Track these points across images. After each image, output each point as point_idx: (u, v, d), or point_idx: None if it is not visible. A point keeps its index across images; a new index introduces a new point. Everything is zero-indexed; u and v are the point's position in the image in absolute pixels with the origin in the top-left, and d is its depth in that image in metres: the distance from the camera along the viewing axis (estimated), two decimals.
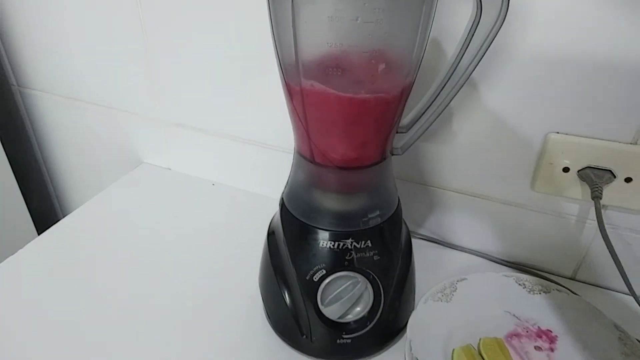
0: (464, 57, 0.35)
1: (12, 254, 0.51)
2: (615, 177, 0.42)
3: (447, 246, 0.53)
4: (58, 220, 0.57)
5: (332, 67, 0.30)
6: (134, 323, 0.43)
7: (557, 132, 0.43)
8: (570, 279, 0.50)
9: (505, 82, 0.42)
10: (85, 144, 0.71)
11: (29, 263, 0.50)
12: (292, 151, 0.56)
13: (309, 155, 0.36)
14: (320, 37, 0.29)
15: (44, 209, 0.80)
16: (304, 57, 0.30)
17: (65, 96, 0.67)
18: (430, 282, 0.45)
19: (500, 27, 0.32)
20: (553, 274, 0.50)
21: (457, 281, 0.45)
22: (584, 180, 0.44)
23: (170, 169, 0.66)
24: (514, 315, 0.44)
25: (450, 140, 0.47)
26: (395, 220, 0.39)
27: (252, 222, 0.56)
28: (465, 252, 0.52)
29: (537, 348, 0.41)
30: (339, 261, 0.37)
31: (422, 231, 0.54)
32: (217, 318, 0.44)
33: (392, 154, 0.38)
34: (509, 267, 0.51)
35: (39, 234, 0.74)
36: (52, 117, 0.72)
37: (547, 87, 0.41)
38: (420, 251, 0.51)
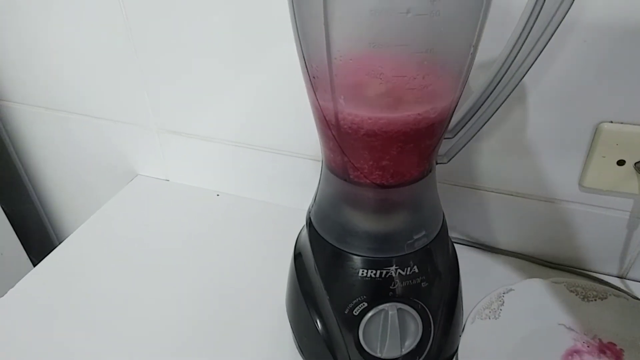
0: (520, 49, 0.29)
1: (7, 287, 0.46)
2: None
3: (487, 250, 0.48)
4: (51, 243, 0.52)
5: (373, 77, 0.24)
6: (145, 353, 0.39)
7: (611, 122, 0.38)
8: (619, 277, 0.46)
9: (550, 66, 0.37)
10: (74, 158, 0.65)
11: (25, 299, 0.45)
12: (303, 154, 0.51)
13: (342, 171, 0.31)
14: (359, 37, 0.23)
15: (36, 232, 0.74)
16: (338, 64, 0.24)
17: (50, 107, 0.60)
18: (473, 292, 0.40)
19: (568, 9, 0.26)
20: (600, 273, 0.46)
21: (504, 293, 0.41)
22: None
23: (168, 180, 0.61)
24: (570, 327, 0.40)
25: (490, 135, 0.42)
26: (442, 239, 0.34)
27: (265, 233, 0.52)
28: (508, 255, 0.48)
29: None
30: (382, 292, 0.32)
31: (460, 235, 0.50)
32: (240, 344, 0.40)
33: (437, 163, 0.32)
34: (554, 268, 0.47)
35: (31, 260, 0.69)
36: (36, 132, 0.65)
37: (599, 68, 0.36)
38: (460, 258, 0.46)
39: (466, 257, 0.47)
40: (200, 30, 0.46)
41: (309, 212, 0.36)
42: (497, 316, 0.40)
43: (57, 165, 0.67)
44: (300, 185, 0.53)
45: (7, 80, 0.60)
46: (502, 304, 0.40)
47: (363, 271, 0.32)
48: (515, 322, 0.39)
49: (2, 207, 0.65)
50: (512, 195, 0.45)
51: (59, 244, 0.52)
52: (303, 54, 0.27)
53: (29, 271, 0.48)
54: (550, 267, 0.47)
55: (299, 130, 0.49)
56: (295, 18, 0.25)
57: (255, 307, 0.43)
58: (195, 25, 0.46)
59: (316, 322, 0.34)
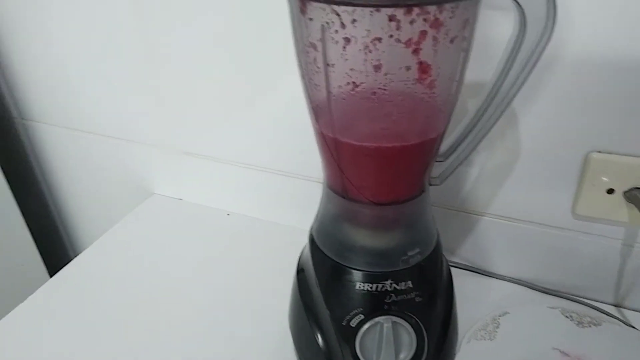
0: (506, 78, 0.32)
1: (24, 297, 0.48)
2: None
3: (483, 274, 0.50)
4: (68, 257, 0.54)
5: (365, 114, 0.27)
6: None
7: (599, 152, 0.40)
8: (615, 305, 0.47)
9: (541, 96, 0.40)
10: (93, 176, 0.68)
11: (41, 309, 0.47)
12: (310, 177, 0.53)
13: (341, 190, 0.33)
14: (354, 82, 0.27)
15: (53, 245, 0.77)
16: (335, 101, 0.28)
17: (70, 127, 0.65)
18: (468, 315, 0.41)
19: (547, 43, 0.29)
20: (596, 301, 0.47)
21: (499, 316, 0.42)
22: (631, 202, 0.41)
23: (182, 200, 0.64)
24: (565, 352, 0.40)
25: (484, 162, 0.44)
26: (436, 256, 0.36)
27: (272, 252, 0.54)
28: (504, 280, 0.49)
29: None
30: (378, 305, 0.34)
31: (456, 259, 0.51)
32: (244, 356, 0.41)
33: (431, 185, 0.35)
34: (550, 294, 0.48)
35: (48, 272, 0.71)
36: (58, 149, 0.69)
37: (586, 100, 0.39)
38: (456, 280, 0.47)
39: (461, 281, 0.48)
40: (216, 57, 0.50)
41: (311, 229, 0.38)
42: (492, 338, 0.41)
43: (76, 182, 0.71)
44: (305, 207, 0.55)
45: (32, 101, 0.65)
46: (498, 327, 0.42)
47: (360, 284, 0.34)
48: (510, 344, 0.40)
49: (25, 220, 0.68)
50: (507, 220, 0.46)
51: (75, 257, 0.54)
52: (307, 90, 0.31)
53: (46, 281, 0.51)
54: (546, 293, 0.48)
55: (305, 154, 0.52)
56: (300, 62, 0.29)
57: (260, 321, 0.45)
58: (212, 51, 0.50)
59: (316, 334, 0.36)
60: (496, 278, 0.49)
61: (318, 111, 0.31)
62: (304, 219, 0.56)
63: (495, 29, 0.36)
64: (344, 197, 0.33)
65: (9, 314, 0.46)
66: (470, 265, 0.50)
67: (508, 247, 0.48)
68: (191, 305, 0.47)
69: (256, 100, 0.51)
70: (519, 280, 0.48)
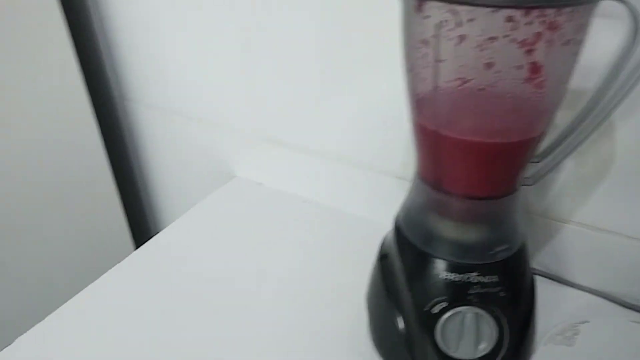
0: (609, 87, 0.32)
1: (109, 266, 0.53)
2: None
3: (563, 283, 0.49)
4: (149, 231, 0.59)
5: (470, 109, 0.29)
6: (229, 343, 0.43)
7: None
8: None
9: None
10: (179, 157, 0.74)
11: (125, 278, 0.51)
12: (387, 171, 0.55)
13: (434, 182, 0.35)
14: (463, 77, 0.28)
15: (139, 219, 0.84)
16: (441, 95, 0.29)
17: (164, 109, 0.71)
18: (544, 320, 0.41)
19: None
20: None
21: (579, 323, 0.42)
22: None
23: (261, 184, 0.68)
24: None
25: (574, 169, 0.44)
26: (521, 255, 0.36)
27: (343, 241, 0.56)
28: (583, 290, 0.48)
29: None
30: (461, 295, 0.35)
31: (537, 265, 0.51)
32: (317, 341, 0.43)
33: (524, 184, 0.36)
34: (634, 310, 0.46)
35: (135, 244, 0.78)
36: (150, 129, 0.76)
37: None
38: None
39: (543, 289, 0.48)
40: (309, 46, 0.52)
41: (397, 217, 0.40)
42: (571, 344, 0.40)
43: (163, 161, 0.77)
44: (382, 201, 0.57)
45: (132, 83, 0.71)
46: (577, 334, 0.41)
47: (446, 273, 0.35)
48: (589, 352, 0.40)
49: (119, 195, 0.75)
50: (592, 230, 0.46)
51: (157, 232, 0.59)
52: (412, 83, 0.32)
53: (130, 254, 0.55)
54: (629, 308, 0.46)
55: (386, 148, 0.54)
56: (409, 57, 0.31)
57: (333, 305, 0.47)
58: (305, 43, 0.52)
59: (396, 318, 0.38)
60: (575, 288, 0.48)
61: (421, 104, 0.33)
62: (377, 211, 0.59)
63: (600, 36, 0.36)
64: (436, 189, 0.35)
65: (96, 280, 0.51)
66: (548, 272, 0.50)
67: (590, 258, 0.47)
68: (265, 286, 0.50)
69: (342, 92, 0.53)
70: (601, 292, 0.47)
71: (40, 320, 0.46)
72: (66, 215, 0.71)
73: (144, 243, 0.57)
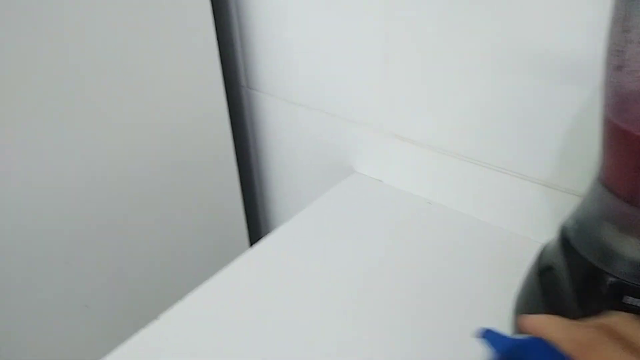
0: None
1: (227, 262, 0.53)
2: None
3: None
4: (264, 216, 0.58)
5: None
6: (342, 341, 0.43)
7: None
8: None
9: None
10: (299, 149, 0.75)
11: (241, 276, 0.52)
12: (531, 177, 0.51)
13: (629, 195, 0.31)
14: None
15: (252, 207, 0.86)
16: None
17: (288, 100, 0.72)
18: None
19: None
20: None
21: None
22: None
23: (381, 181, 0.66)
24: None
25: None
26: None
27: (472, 249, 0.53)
28: None
29: None
30: None
31: None
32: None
33: None
34: None
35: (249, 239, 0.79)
36: (272, 119, 0.78)
37: None
38: None
39: None
40: (456, 46, 0.50)
41: (565, 227, 0.37)
42: None
43: (283, 152, 0.79)
44: (519, 210, 0.53)
45: (260, 73, 0.73)
46: None
47: (630, 298, 0.31)
48: None
49: (241, 187, 0.78)
50: None
51: (268, 224, 0.58)
52: (618, 81, 0.29)
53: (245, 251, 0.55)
54: None
55: (533, 152, 0.50)
56: (617, 52, 0.28)
57: (455, 319, 0.44)
58: (451, 39, 0.50)
59: None
60: None
61: (626, 105, 0.29)
62: (514, 221, 0.55)
63: None
64: (629, 202, 0.31)
65: (212, 278, 0.51)
66: None
67: None
68: (382, 290, 0.48)
69: (471, 88, 0.51)
70: None
71: (180, 300, 0.48)
72: (187, 199, 0.73)
73: (257, 230, 0.57)
